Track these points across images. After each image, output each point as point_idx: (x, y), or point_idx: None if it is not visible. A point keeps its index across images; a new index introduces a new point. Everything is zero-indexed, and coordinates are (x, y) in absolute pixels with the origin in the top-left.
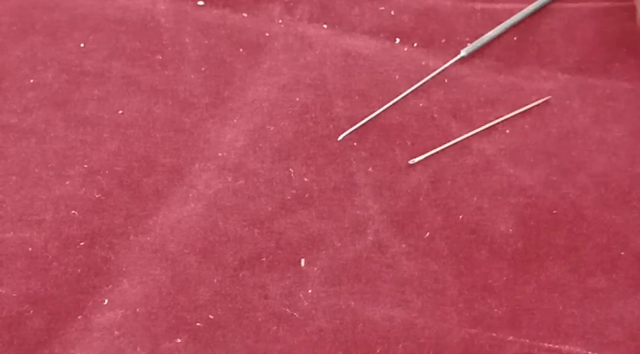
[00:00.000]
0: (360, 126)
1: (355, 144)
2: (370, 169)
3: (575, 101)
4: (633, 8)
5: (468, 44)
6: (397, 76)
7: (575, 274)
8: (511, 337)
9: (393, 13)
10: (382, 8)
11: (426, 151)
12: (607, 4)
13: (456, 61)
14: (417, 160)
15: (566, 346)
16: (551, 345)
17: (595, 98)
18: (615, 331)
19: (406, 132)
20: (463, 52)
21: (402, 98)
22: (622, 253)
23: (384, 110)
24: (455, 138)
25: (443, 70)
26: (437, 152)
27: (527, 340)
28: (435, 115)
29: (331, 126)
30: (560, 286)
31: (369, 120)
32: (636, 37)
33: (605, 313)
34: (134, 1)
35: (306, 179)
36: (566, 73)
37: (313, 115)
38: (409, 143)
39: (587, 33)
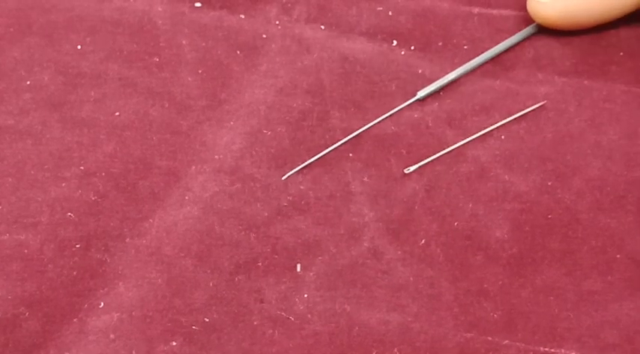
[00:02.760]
0: (356, 137)
1: (350, 155)
2: (366, 178)
3: (571, 104)
4: (629, 14)
5: (467, 48)
6: (393, 87)
7: (570, 278)
8: (507, 341)
9: (390, 13)
10: (380, 9)
11: (421, 159)
12: None
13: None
14: (412, 169)
15: (562, 350)
16: (547, 348)
17: (591, 101)
18: (611, 334)
19: (401, 141)
20: (419, 94)
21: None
22: (617, 256)
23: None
24: (450, 146)
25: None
26: (432, 161)
27: (523, 344)
28: (430, 124)
29: (327, 136)
30: (555, 289)
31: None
32: (633, 39)
33: (600, 316)
34: (131, 2)
35: (302, 187)
36: (563, 76)
37: (310, 124)
38: (404, 152)
39: (583, 36)
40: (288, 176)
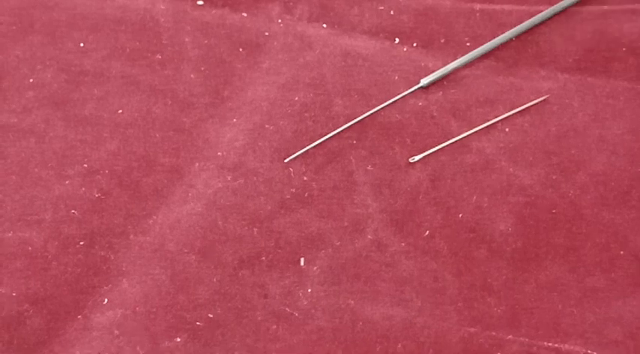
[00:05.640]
0: (360, 124)
1: (355, 142)
2: (370, 167)
3: (575, 100)
4: (632, 11)
5: (468, 43)
6: (396, 77)
7: (574, 274)
8: (510, 336)
9: (392, 12)
10: (381, 8)
11: (426, 149)
12: (605, 7)
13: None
14: (417, 158)
15: (566, 345)
16: (550, 344)
17: (594, 97)
18: (614, 330)
19: (406, 130)
20: (423, 82)
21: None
22: (621, 253)
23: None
24: (454, 137)
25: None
26: (436, 151)
27: (527, 339)
28: (435, 114)
29: (330, 124)
30: (559, 285)
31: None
32: (635, 35)
33: (604, 312)
34: (133, 0)
35: (305, 178)
36: (566, 73)
37: (312, 114)
38: (409, 141)
39: (586, 33)
40: (291, 159)
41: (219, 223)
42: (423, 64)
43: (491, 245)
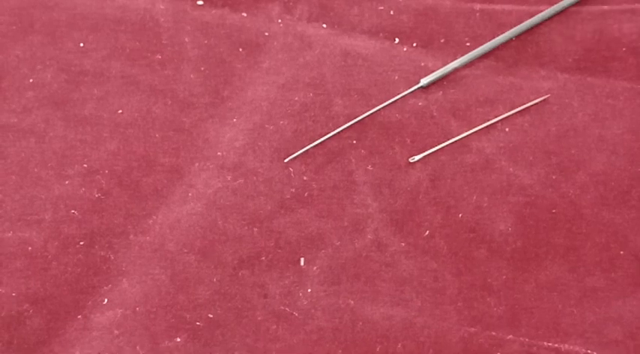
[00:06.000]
0: (360, 124)
1: (354, 142)
2: (370, 167)
3: (575, 100)
4: (632, 11)
5: (468, 43)
6: (396, 77)
7: (574, 274)
8: (510, 336)
9: (392, 12)
10: (381, 8)
11: (426, 149)
12: (605, 7)
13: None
14: (417, 158)
15: (566, 345)
16: (550, 344)
17: (594, 97)
18: (614, 330)
19: (405, 130)
20: (423, 82)
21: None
22: (621, 253)
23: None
24: (454, 136)
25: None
26: (436, 151)
27: (527, 339)
28: (435, 114)
29: (330, 124)
30: (559, 285)
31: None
32: (635, 35)
33: (604, 312)
34: (133, 0)
35: (305, 178)
36: (565, 73)
37: (312, 114)
38: (408, 141)
39: (586, 33)
40: (291, 159)
41: (219, 223)
42: (422, 64)
43: (491, 245)
